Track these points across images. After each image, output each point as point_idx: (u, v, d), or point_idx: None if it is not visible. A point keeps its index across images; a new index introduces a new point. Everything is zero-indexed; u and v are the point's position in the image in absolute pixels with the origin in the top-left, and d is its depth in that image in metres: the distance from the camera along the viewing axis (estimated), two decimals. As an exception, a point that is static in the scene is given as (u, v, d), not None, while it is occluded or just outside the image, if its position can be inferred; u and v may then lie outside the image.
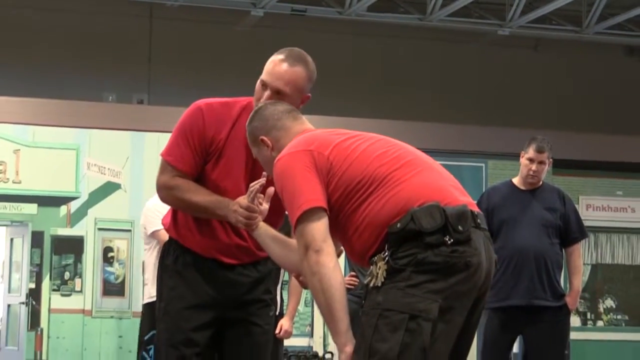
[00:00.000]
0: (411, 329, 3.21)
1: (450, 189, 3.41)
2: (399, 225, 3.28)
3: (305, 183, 3.38)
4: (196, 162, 4.03)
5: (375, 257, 3.32)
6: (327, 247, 3.33)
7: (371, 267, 3.34)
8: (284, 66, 3.98)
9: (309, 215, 3.34)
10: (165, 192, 4.05)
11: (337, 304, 3.28)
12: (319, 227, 3.34)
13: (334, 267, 3.32)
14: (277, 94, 3.95)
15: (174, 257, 4.10)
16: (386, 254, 3.29)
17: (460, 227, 3.28)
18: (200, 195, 3.97)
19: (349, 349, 3.29)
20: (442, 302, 3.24)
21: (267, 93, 3.96)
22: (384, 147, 3.48)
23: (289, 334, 7.00)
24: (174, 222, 4.15)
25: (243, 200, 3.82)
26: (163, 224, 4.26)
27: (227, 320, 4.10)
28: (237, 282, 4.09)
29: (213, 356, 4.14)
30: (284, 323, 6.96)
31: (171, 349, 4.03)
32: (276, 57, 4.03)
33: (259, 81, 4.02)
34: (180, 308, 4.05)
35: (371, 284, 3.31)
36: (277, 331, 6.84)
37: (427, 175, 3.41)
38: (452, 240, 3.26)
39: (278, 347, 6.83)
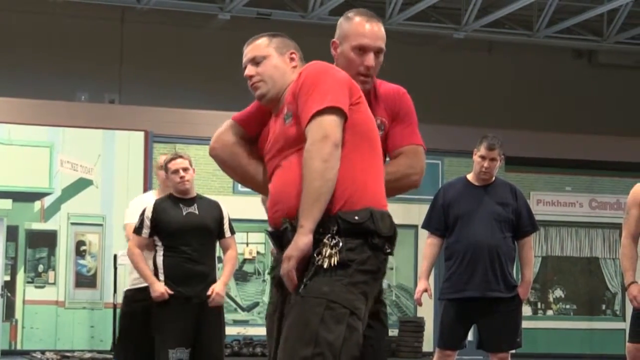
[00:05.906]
0: (350, 324, 3.19)
1: None
2: (356, 217, 3.24)
3: (341, 91, 3.33)
4: None
5: (326, 239, 3.22)
6: (340, 150, 3.25)
7: (320, 245, 3.22)
8: (375, 26, 3.78)
9: (337, 112, 3.28)
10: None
11: (326, 196, 3.21)
12: (340, 129, 3.27)
13: (338, 169, 3.24)
14: (377, 55, 3.78)
15: None
16: (339, 242, 3.23)
17: (395, 242, 3.35)
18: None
19: (308, 233, 3.18)
20: (367, 304, 3.29)
21: (370, 56, 3.74)
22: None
23: (221, 298, 6.77)
24: None
25: None
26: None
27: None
28: None
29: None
30: (216, 287, 6.76)
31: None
32: (358, 19, 3.80)
33: (349, 49, 3.75)
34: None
35: (318, 262, 3.22)
36: (209, 293, 6.69)
37: (381, 180, 3.45)
38: (388, 250, 3.31)
39: None
